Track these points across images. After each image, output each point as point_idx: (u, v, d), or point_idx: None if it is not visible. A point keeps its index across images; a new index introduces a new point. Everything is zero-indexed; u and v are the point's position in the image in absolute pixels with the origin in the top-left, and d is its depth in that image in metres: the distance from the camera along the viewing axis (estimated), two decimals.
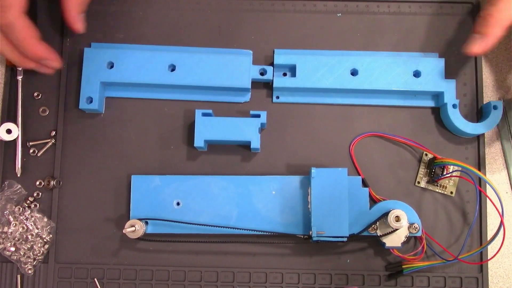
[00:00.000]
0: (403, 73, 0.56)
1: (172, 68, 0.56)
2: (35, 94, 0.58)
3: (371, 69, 0.56)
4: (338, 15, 0.59)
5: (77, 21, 0.54)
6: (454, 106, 0.56)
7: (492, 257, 0.54)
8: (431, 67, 0.56)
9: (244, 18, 0.59)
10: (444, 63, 0.56)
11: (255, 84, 0.58)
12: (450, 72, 0.57)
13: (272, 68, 0.56)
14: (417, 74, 0.56)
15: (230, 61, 0.56)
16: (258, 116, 0.55)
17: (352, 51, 0.58)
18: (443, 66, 0.56)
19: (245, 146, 0.57)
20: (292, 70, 0.57)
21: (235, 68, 0.56)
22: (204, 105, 0.58)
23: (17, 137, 0.57)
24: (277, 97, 0.58)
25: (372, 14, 0.59)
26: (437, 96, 0.57)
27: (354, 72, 0.56)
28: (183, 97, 0.58)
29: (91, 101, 0.56)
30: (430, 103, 0.58)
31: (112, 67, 0.56)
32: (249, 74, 0.56)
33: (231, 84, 0.56)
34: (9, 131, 0.56)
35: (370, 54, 0.58)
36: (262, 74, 0.56)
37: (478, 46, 0.53)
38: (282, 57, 0.57)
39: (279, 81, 0.57)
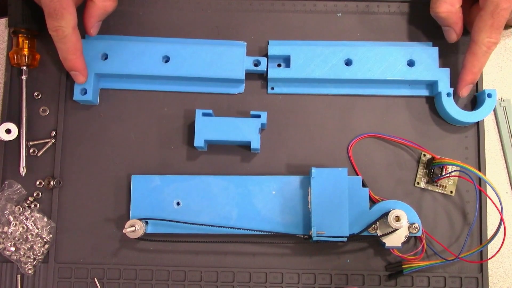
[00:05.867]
0: (397, 62, 0.56)
1: (166, 59, 0.57)
2: (35, 94, 0.58)
3: (365, 59, 0.56)
4: (338, 15, 0.59)
5: (94, 27, 0.56)
6: (448, 94, 0.56)
7: (492, 256, 0.54)
8: (425, 56, 0.56)
9: (244, 18, 0.59)
10: (439, 52, 0.57)
11: (250, 75, 0.58)
12: (448, 62, 0.58)
13: (266, 59, 0.57)
14: (411, 63, 0.57)
15: (224, 52, 0.56)
16: (258, 116, 0.55)
17: (346, 41, 0.58)
18: (437, 55, 0.57)
19: (245, 146, 0.57)
20: (286, 61, 0.57)
21: (229, 59, 0.56)
22: (199, 97, 0.58)
23: (21, 136, 0.57)
24: (272, 88, 0.58)
25: (372, 14, 0.59)
26: (432, 85, 0.57)
27: (348, 62, 0.57)
28: (177, 88, 0.58)
29: (85, 93, 0.56)
30: (425, 92, 0.58)
31: (106, 58, 0.56)
32: (243, 65, 0.56)
33: (225, 75, 0.56)
34: (8, 131, 0.56)
35: (364, 44, 0.58)
36: (256, 65, 0.57)
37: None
38: (276, 48, 0.57)
39: (274, 72, 0.57)
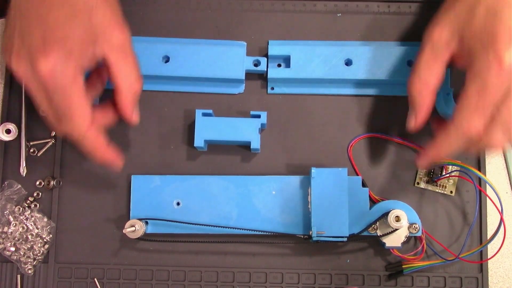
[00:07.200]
0: (397, 62, 0.56)
1: (166, 59, 0.56)
2: None
3: (365, 59, 0.56)
4: (338, 15, 0.59)
5: (134, 114, 0.51)
6: (448, 94, 0.55)
7: (492, 256, 0.54)
8: None
9: (244, 18, 0.59)
10: None
11: (250, 75, 0.58)
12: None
13: (266, 59, 0.57)
14: (411, 63, 0.56)
15: (224, 52, 0.56)
16: (258, 116, 0.55)
17: (346, 41, 0.58)
18: None
19: (245, 146, 0.57)
20: (286, 61, 0.57)
21: (229, 59, 0.56)
22: (199, 97, 0.58)
23: (21, 137, 0.57)
24: (272, 88, 0.58)
25: (372, 14, 0.59)
26: None
27: (348, 62, 0.56)
28: (177, 88, 0.58)
29: None
30: None
31: None
32: (243, 65, 0.56)
33: (225, 75, 0.56)
34: (8, 131, 0.56)
35: (364, 44, 0.58)
36: (256, 65, 0.57)
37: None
38: (276, 48, 0.57)
39: (274, 72, 0.57)
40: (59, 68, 0.44)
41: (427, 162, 0.49)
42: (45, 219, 0.56)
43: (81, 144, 0.48)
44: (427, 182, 0.56)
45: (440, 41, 0.47)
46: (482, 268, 0.55)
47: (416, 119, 0.49)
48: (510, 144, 0.45)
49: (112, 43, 0.47)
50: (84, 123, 0.46)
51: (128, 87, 0.49)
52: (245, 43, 0.57)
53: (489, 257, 0.55)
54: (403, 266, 0.55)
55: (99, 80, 0.51)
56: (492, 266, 0.56)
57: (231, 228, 0.54)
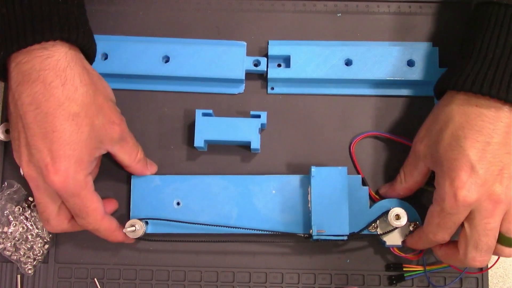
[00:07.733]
0: (397, 62, 0.56)
1: (166, 59, 0.57)
2: None
3: (365, 59, 0.56)
4: (338, 15, 0.59)
5: (151, 170, 0.56)
6: None
7: None
8: (425, 56, 0.56)
9: (244, 18, 0.59)
10: (439, 52, 0.56)
11: (250, 75, 0.58)
12: (448, 62, 0.57)
13: (266, 59, 0.57)
14: (411, 63, 0.56)
15: (224, 52, 0.56)
16: (258, 116, 0.55)
17: (346, 41, 0.59)
18: (437, 55, 0.56)
19: (245, 146, 0.57)
20: (286, 61, 0.57)
21: (229, 59, 0.56)
22: (199, 97, 0.58)
23: None
24: (272, 88, 0.58)
25: (372, 14, 0.59)
26: (432, 85, 0.57)
27: (348, 62, 0.57)
28: (177, 88, 0.58)
29: None
30: (425, 92, 0.58)
31: (106, 58, 0.56)
32: (243, 65, 0.56)
33: (225, 75, 0.56)
34: (8, 131, 0.56)
35: (364, 44, 0.58)
36: (256, 65, 0.57)
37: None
38: (276, 48, 0.57)
39: (274, 72, 0.57)
40: (71, 178, 0.46)
41: (410, 248, 0.54)
42: None
43: (96, 232, 0.52)
44: (427, 183, 0.56)
45: (419, 153, 0.50)
46: (482, 268, 0.55)
47: (386, 192, 0.55)
48: (488, 260, 0.47)
49: (114, 139, 0.49)
50: (98, 217, 0.50)
51: (133, 161, 0.53)
52: (245, 43, 0.58)
53: None
54: (404, 269, 0.55)
55: (96, 166, 0.54)
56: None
57: (231, 227, 0.54)
